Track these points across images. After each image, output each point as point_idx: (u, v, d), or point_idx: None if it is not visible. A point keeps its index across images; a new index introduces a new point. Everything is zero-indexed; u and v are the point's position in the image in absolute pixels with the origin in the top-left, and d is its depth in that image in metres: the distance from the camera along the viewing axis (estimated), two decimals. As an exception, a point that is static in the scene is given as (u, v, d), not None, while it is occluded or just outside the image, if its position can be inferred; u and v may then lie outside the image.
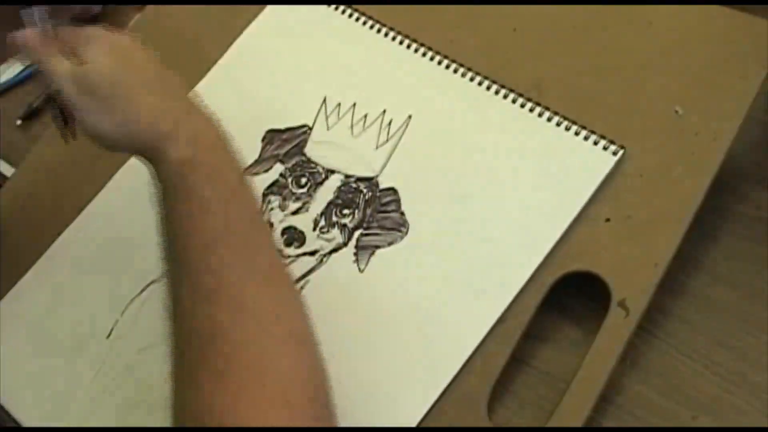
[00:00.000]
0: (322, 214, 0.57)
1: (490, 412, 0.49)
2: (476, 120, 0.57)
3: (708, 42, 0.54)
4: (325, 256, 0.56)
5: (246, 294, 0.44)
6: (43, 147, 0.69)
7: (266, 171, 0.60)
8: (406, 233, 0.55)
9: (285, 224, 0.57)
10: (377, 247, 0.55)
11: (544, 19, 0.59)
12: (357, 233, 0.56)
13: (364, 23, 0.63)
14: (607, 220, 0.52)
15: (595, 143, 0.53)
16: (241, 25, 0.67)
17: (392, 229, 0.55)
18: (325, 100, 0.61)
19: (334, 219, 0.57)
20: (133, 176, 0.58)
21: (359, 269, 0.55)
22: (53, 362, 0.58)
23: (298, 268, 0.56)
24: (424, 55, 0.60)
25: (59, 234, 0.63)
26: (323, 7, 0.65)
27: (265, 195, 0.59)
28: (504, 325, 0.50)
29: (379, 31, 0.62)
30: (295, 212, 0.58)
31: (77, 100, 0.49)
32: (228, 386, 0.41)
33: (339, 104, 0.60)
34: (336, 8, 0.64)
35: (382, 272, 0.54)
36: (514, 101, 0.56)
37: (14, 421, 0.57)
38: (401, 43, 0.61)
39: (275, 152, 0.61)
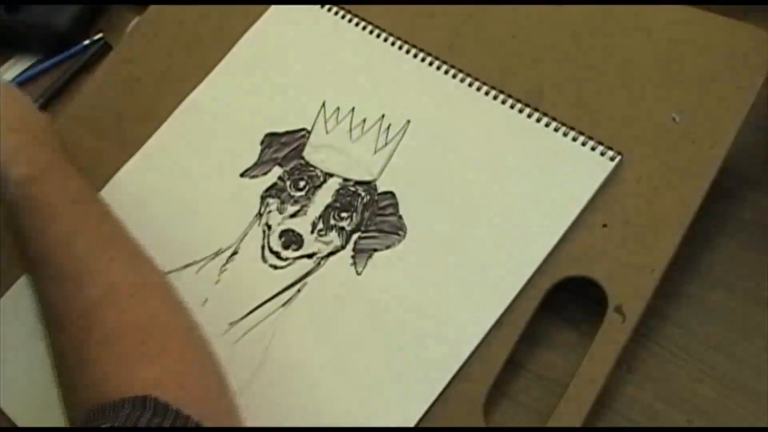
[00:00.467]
0: (320, 217, 0.57)
1: (486, 416, 0.49)
2: (474, 125, 0.57)
3: (706, 50, 0.55)
4: (322, 258, 0.56)
5: (112, 272, 0.48)
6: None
7: (265, 174, 0.60)
8: (404, 237, 0.55)
9: (283, 227, 0.57)
10: (375, 250, 0.55)
11: (543, 25, 0.59)
12: (355, 236, 0.56)
13: (364, 28, 0.63)
14: (604, 225, 0.52)
15: (593, 149, 0.54)
16: (242, 28, 0.67)
17: (390, 232, 0.55)
18: (324, 105, 0.61)
19: (332, 222, 0.57)
20: (134, 173, 0.58)
21: (357, 272, 0.55)
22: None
23: (295, 270, 0.56)
24: (423, 60, 0.60)
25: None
26: (323, 12, 0.65)
27: (263, 198, 0.59)
28: (501, 329, 0.50)
29: (379, 36, 0.62)
30: (293, 215, 0.58)
31: None
32: (113, 350, 0.44)
33: (338, 108, 0.61)
34: (336, 13, 0.65)
35: (379, 275, 0.54)
36: (512, 107, 0.56)
37: (11, 422, 0.57)
38: (401, 48, 0.61)
39: (274, 155, 0.61)
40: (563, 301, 0.51)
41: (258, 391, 0.53)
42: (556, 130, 0.55)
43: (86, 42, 0.79)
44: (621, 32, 0.57)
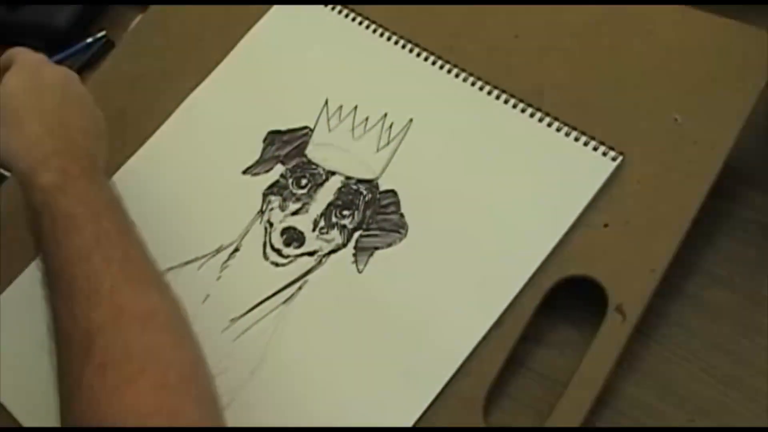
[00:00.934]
0: (321, 215, 0.57)
1: (486, 414, 0.49)
2: (476, 124, 0.57)
3: (708, 51, 0.55)
4: (324, 256, 0.56)
5: (122, 295, 0.46)
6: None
7: (267, 172, 0.60)
8: (405, 235, 0.55)
9: (285, 224, 0.58)
10: (376, 248, 0.55)
11: (546, 26, 0.59)
12: (356, 234, 0.56)
13: (368, 27, 0.63)
14: (606, 225, 0.52)
15: (595, 149, 0.54)
16: (244, 27, 0.67)
17: (391, 230, 0.55)
18: (326, 103, 0.61)
19: (334, 220, 0.57)
20: (136, 170, 0.58)
21: (358, 270, 0.55)
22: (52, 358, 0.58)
23: (296, 268, 0.56)
24: (426, 59, 0.60)
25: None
26: (326, 10, 0.66)
27: (265, 195, 0.59)
28: (501, 328, 0.50)
29: (382, 34, 0.63)
30: (295, 213, 0.58)
31: None
32: (110, 377, 0.43)
33: (341, 107, 0.61)
34: (339, 11, 0.65)
35: (380, 273, 0.54)
36: (514, 106, 0.57)
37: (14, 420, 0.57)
38: (404, 47, 0.61)
39: (276, 153, 0.61)
40: (564, 300, 0.51)
41: (258, 388, 0.53)
42: (558, 129, 0.55)
43: (89, 40, 0.79)
44: (622, 33, 0.57)
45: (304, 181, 0.59)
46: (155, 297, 0.48)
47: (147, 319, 0.46)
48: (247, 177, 0.60)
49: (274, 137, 0.62)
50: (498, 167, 0.55)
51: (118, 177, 0.64)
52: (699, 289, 0.51)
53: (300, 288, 0.55)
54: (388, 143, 0.58)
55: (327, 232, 0.57)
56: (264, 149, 0.61)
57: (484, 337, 0.50)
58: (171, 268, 0.58)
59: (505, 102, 0.57)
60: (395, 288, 0.53)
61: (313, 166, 0.59)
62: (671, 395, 0.49)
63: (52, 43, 0.79)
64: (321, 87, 0.62)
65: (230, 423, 0.50)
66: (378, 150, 0.58)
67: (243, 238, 0.58)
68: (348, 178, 0.58)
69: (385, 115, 0.59)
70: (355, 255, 0.55)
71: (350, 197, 0.57)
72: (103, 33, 0.79)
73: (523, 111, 0.56)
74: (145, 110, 0.67)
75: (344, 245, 0.56)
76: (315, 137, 0.60)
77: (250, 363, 0.54)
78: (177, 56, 0.69)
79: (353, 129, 0.60)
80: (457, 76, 0.59)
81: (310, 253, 0.56)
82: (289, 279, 0.56)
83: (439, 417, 0.49)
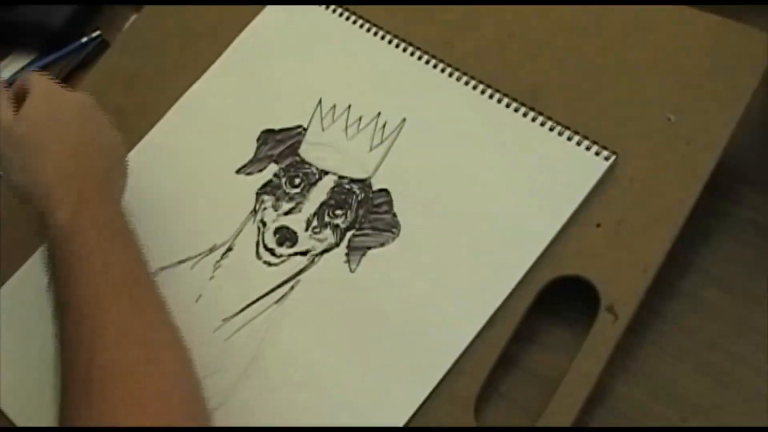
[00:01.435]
0: (314, 214, 0.57)
1: (478, 413, 0.49)
2: (470, 124, 0.57)
3: (702, 50, 0.55)
4: (316, 256, 0.56)
5: (122, 347, 0.46)
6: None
7: (260, 171, 0.60)
8: (398, 234, 0.55)
9: (278, 224, 0.58)
10: (369, 247, 0.55)
11: (540, 25, 0.59)
12: (349, 234, 0.56)
13: (361, 26, 0.63)
14: (598, 225, 0.52)
15: (588, 148, 0.54)
16: (238, 27, 0.67)
17: (384, 230, 0.55)
18: (320, 102, 0.61)
19: (327, 219, 0.57)
20: (130, 169, 0.58)
21: (350, 269, 0.55)
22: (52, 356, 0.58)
23: (289, 267, 0.56)
24: (419, 58, 0.60)
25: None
26: (321, 10, 0.65)
27: (258, 195, 0.59)
28: (493, 327, 0.50)
29: (375, 33, 0.62)
30: (288, 212, 0.58)
31: (3, 149, 0.53)
32: (107, 421, 0.43)
33: (334, 106, 0.61)
34: (333, 11, 0.65)
35: (373, 273, 0.54)
36: (508, 105, 0.56)
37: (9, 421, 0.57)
38: (398, 46, 0.61)
39: (269, 152, 0.61)
40: (556, 299, 0.51)
41: (249, 387, 0.53)
42: (551, 129, 0.55)
43: (84, 39, 0.79)
44: (616, 32, 0.57)
45: (297, 181, 0.59)
46: (157, 345, 0.48)
47: (148, 367, 0.46)
48: (241, 176, 0.60)
49: (267, 136, 0.61)
50: (490, 166, 0.55)
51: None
52: (696, 288, 0.51)
53: (292, 287, 0.55)
54: (381, 142, 0.58)
55: (320, 232, 0.57)
56: (257, 148, 0.61)
57: (476, 337, 0.50)
58: (164, 268, 0.58)
59: (498, 101, 0.57)
60: (388, 287, 0.53)
61: (307, 166, 0.59)
62: (665, 394, 0.48)
63: (47, 43, 0.79)
64: (315, 86, 0.62)
65: (222, 422, 0.50)
66: (371, 149, 0.58)
67: (236, 237, 0.58)
68: (341, 177, 0.58)
69: (379, 114, 0.59)
70: (347, 254, 0.55)
71: (343, 197, 0.57)
72: (97, 33, 0.79)
73: (516, 110, 0.56)
74: (139, 110, 0.67)
75: (337, 245, 0.56)
76: (308, 136, 0.60)
77: (242, 362, 0.54)
78: (171, 56, 0.69)
79: (347, 128, 0.60)
80: (450, 75, 0.59)
81: (303, 253, 0.56)
82: (281, 278, 0.56)
83: (430, 416, 0.49)
